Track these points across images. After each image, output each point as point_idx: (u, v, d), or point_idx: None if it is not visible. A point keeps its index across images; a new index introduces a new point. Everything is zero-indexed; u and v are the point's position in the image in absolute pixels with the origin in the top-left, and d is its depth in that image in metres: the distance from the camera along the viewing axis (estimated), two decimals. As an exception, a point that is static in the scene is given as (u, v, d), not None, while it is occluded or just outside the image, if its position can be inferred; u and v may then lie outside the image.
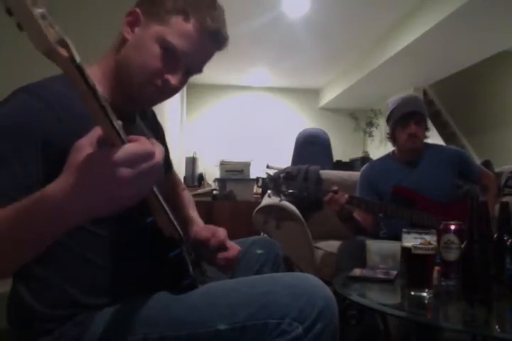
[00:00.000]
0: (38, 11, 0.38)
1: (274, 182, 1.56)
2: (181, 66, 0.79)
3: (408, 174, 1.84)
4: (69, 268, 0.75)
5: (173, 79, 0.78)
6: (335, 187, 1.62)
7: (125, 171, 0.46)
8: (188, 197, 1.15)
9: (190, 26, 0.77)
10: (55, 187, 0.49)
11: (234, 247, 0.94)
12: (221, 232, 0.94)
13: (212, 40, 0.80)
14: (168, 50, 0.76)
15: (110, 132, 0.47)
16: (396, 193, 1.79)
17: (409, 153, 1.87)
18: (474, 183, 1.99)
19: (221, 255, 0.92)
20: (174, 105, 4.10)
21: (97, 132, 0.49)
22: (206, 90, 6.78)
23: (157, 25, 0.77)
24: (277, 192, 1.56)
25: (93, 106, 0.44)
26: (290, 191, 1.56)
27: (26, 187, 0.61)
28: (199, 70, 0.85)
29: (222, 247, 0.93)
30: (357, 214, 1.81)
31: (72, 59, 0.41)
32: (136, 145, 0.48)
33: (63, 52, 0.41)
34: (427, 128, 1.84)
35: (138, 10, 0.79)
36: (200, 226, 0.99)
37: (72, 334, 0.71)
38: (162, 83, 0.78)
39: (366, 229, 1.83)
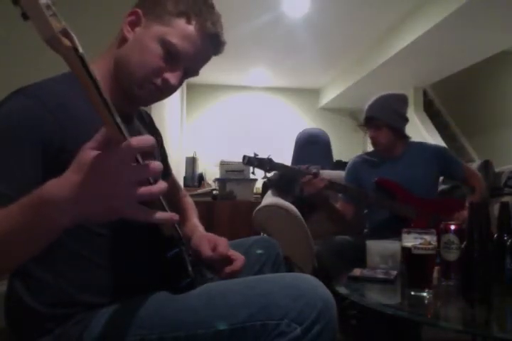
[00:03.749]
0: (43, 1, 0.39)
1: (259, 161, 1.57)
2: (181, 66, 0.81)
3: (391, 170, 1.92)
4: (67, 266, 0.74)
5: (172, 79, 0.80)
6: (315, 170, 1.64)
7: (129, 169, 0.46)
8: (189, 202, 1.15)
9: (191, 28, 0.79)
10: (54, 185, 0.48)
11: (239, 258, 0.90)
12: (222, 246, 0.90)
13: (212, 43, 0.83)
14: (169, 50, 0.78)
15: (112, 127, 0.47)
16: (379, 184, 1.85)
17: (380, 152, 1.98)
18: (461, 182, 2.04)
19: (227, 269, 0.88)
20: (174, 105, 4.10)
21: (102, 133, 0.49)
22: (206, 90, 6.77)
23: (159, 26, 0.78)
24: (262, 169, 1.58)
25: (95, 98, 0.45)
26: (273, 172, 1.63)
27: (24, 188, 0.61)
28: (196, 72, 0.87)
29: (226, 260, 0.89)
30: (339, 205, 1.90)
31: (75, 48, 0.42)
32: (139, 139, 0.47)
33: (66, 41, 0.42)
34: (395, 129, 1.89)
35: (139, 10, 0.80)
36: (201, 235, 0.96)
37: (73, 333, 0.71)
38: (161, 82, 0.80)
39: (346, 217, 1.88)
